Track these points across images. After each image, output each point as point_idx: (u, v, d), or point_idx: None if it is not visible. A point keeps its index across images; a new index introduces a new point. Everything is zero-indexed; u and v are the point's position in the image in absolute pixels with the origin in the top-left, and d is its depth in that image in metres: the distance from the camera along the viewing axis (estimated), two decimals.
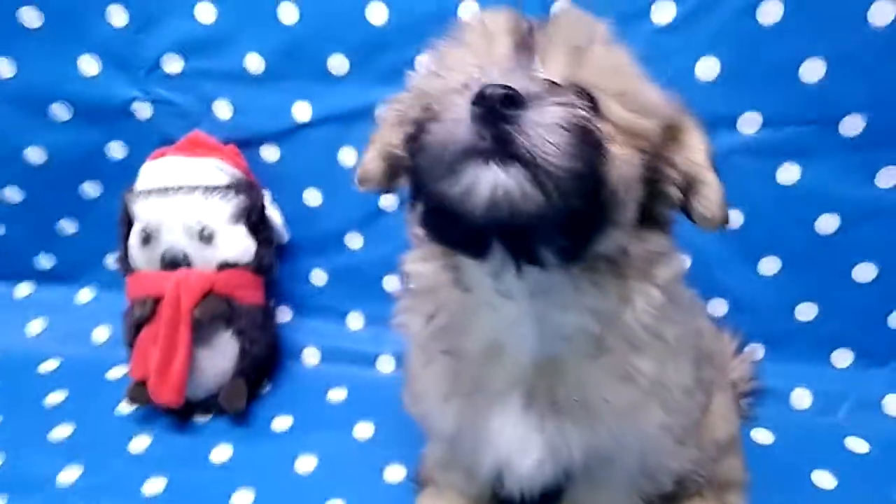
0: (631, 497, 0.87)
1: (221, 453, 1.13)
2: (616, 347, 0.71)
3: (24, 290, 1.44)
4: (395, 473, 1.08)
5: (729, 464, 0.97)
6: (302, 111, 1.20)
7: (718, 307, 1.19)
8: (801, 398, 1.18)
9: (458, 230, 0.60)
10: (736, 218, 1.13)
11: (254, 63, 1.18)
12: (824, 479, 1.05)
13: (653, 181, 0.66)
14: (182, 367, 1.12)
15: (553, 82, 0.59)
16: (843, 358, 1.19)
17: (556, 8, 0.65)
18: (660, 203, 0.68)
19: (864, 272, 1.14)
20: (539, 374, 0.72)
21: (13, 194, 1.34)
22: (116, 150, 1.29)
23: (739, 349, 1.15)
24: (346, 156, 1.22)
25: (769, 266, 1.16)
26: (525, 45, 0.62)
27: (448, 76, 0.64)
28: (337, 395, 1.25)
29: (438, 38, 0.67)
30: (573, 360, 0.71)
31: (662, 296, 0.69)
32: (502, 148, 0.53)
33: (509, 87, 0.53)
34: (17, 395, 1.26)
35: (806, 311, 1.18)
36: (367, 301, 1.32)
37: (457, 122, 0.55)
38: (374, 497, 1.05)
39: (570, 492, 0.89)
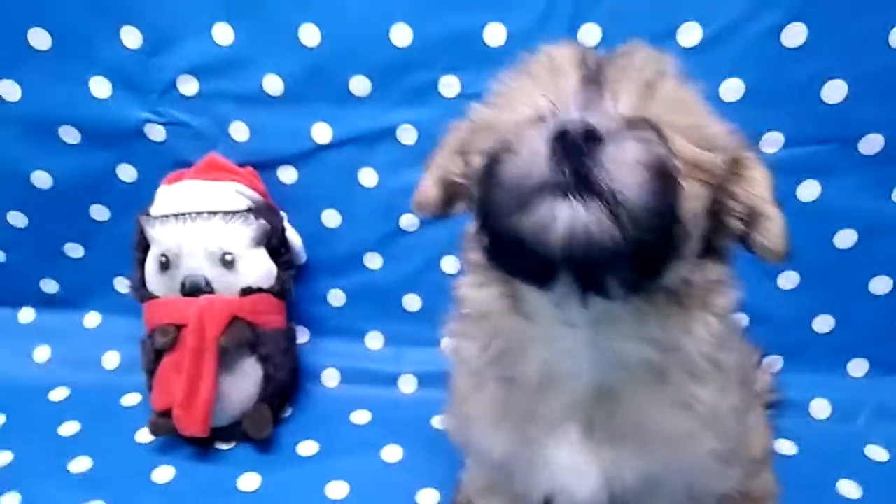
0: None
1: (249, 482, 1.11)
2: (675, 376, 0.71)
3: (27, 315, 1.40)
4: (427, 498, 1.08)
5: (763, 478, 0.99)
6: (322, 133, 1.19)
7: (739, 321, 1.20)
8: (821, 408, 1.21)
9: (527, 261, 0.60)
10: None
11: (273, 85, 1.16)
12: (849, 489, 1.08)
13: (715, 213, 0.66)
14: (208, 396, 1.10)
15: (627, 118, 0.59)
16: (859, 368, 1.22)
17: (624, 44, 0.65)
18: (721, 234, 0.68)
19: (880, 285, 1.17)
20: (596, 402, 0.72)
21: (18, 219, 1.30)
22: (127, 172, 1.25)
23: (760, 361, 1.17)
24: (366, 177, 1.21)
25: (788, 280, 1.18)
26: (593, 80, 0.62)
27: (516, 109, 0.64)
28: (360, 417, 1.24)
29: (503, 69, 0.68)
30: (631, 388, 0.71)
31: (720, 324, 0.70)
32: (582, 183, 0.54)
33: (589, 123, 0.54)
34: (30, 425, 1.23)
35: (823, 323, 1.20)
36: (386, 321, 1.31)
37: (534, 156, 0.56)
38: None
39: None
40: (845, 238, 1.14)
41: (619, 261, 0.58)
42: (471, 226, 0.70)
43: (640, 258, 0.58)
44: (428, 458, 1.14)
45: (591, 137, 0.54)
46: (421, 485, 1.09)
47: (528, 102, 0.63)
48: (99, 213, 1.29)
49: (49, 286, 1.37)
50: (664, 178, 0.57)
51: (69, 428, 1.22)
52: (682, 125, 0.62)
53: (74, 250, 1.34)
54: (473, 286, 0.74)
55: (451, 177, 0.72)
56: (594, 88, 0.61)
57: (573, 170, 0.54)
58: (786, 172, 1.10)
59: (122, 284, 1.36)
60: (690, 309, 0.68)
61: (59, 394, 1.29)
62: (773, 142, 1.09)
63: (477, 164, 0.64)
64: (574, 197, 0.54)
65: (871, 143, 1.08)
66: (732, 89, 1.07)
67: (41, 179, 1.26)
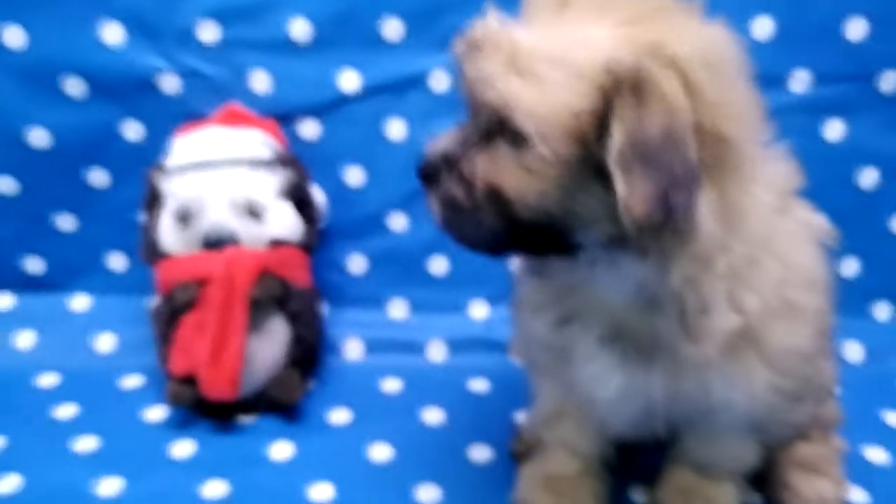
0: (745, 448, 0.86)
1: (282, 451, 1.02)
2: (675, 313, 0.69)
3: (5, 300, 1.26)
4: (481, 453, 1.02)
5: (831, 405, 0.98)
6: (349, 81, 1.15)
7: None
8: (854, 351, 1.21)
9: None
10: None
11: (299, 29, 1.11)
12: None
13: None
14: (238, 353, 1.00)
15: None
16: (883, 311, 1.24)
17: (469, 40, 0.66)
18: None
19: None
20: (626, 313, 0.71)
21: (7, 185, 1.18)
22: (132, 130, 1.17)
23: None
24: (395, 128, 1.17)
25: None
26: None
27: None
28: (391, 385, 1.16)
29: None
30: (654, 317, 0.70)
31: (689, 266, 0.66)
32: (430, 194, 0.68)
33: (423, 166, 0.68)
34: (19, 411, 1.09)
35: (849, 267, 1.22)
36: (410, 286, 1.25)
37: None
38: (465, 477, 0.98)
39: (682, 442, 0.88)
40: (868, 177, 1.18)
41: (505, 244, 0.68)
42: None
43: (526, 240, 0.67)
44: (473, 418, 1.08)
45: (427, 174, 0.68)
46: (470, 441, 1.03)
47: None
48: (97, 178, 1.20)
49: (34, 265, 1.25)
50: (488, 196, 0.65)
51: (66, 411, 1.09)
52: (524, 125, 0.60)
53: (66, 222, 1.22)
54: None
55: None
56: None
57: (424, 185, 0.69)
58: (813, 112, 1.15)
59: (116, 260, 1.26)
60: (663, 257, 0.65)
61: (48, 379, 1.16)
62: (800, 81, 1.13)
63: None
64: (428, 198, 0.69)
65: (890, 81, 1.12)
66: (763, 27, 1.10)
67: (38, 138, 1.16)
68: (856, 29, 1.10)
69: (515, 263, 0.83)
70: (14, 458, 0.99)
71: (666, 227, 0.59)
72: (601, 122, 0.58)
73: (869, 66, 1.12)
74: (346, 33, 1.12)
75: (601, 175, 0.59)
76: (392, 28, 1.12)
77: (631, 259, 0.65)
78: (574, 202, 0.63)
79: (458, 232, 0.68)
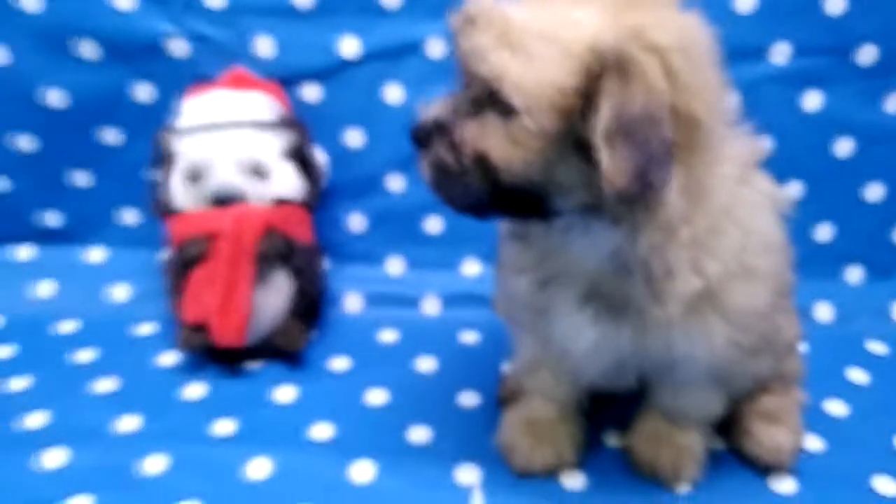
0: (710, 398, 0.93)
1: (286, 394, 1.10)
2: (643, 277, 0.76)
3: (25, 252, 1.34)
4: (469, 399, 1.09)
5: (793, 359, 1.05)
6: (349, 47, 1.19)
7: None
8: (824, 312, 1.28)
9: None
10: (764, 144, 1.22)
11: None
12: (858, 375, 1.16)
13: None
14: (245, 304, 1.08)
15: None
16: (855, 273, 1.31)
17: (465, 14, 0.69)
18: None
19: (874, 192, 1.26)
20: (600, 276, 0.77)
21: (25, 142, 1.25)
22: (143, 91, 1.23)
23: None
24: (392, 93, 1.22)
25: (792, 190, 1.26)
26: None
27: None
28: (388, 335, 1.24)
29: None
30: (628, 279, 0.76)
31: (659, 233, 0.71)
32: (422, 156, 0.74)
33: (416, 129, 0.73)
34: (42, 354, 1.17)
35: (823, 232, 1.28)
36: (407, 244, 1.32)
37: None
38: (455, 421, 1.05)
39: (652, 392, 0.95)
40: (844, 147, 1.23)
41: (487, 207, 0.73)
42: None
43: (506, 203, 0.72)
44: (463, 367, 1.16)
45: (421, 137, 0.73)
46: (461, 389, 1.10)
47: None
48: (111, 136, 1.26)
49: (51, 219, 1.32)
50: (475, 163, 0.70)
51: (85, 355, 1.17)
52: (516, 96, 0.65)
53: (81, 178, 1.29)
54: None
55: None
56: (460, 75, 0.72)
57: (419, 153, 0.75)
58: (792, 83, 1.19)
59: (129, 215, 1.33)
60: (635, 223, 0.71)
61: (68, 325, 1.24)
62: (780, 53, 1.17)
63: None
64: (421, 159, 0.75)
65: (867, 54, 1.17)
66: (746, 1, 1.14)
67: (54, 98, 1.21)
68: (835, 3, 1.14)
69: (501, 227, 0.88)
70: (39, 397, 1.07)
71: (641, 199, 0.66)
72: (585, 99, 0.63)
73: (847, 40, 1.16)
74: (346, 0, 1.16)
75: (580, 148, 0.65)
76: None
77: (603, 226, 0.72)
78: (554, 171, 0.68)
79: (447, 194, 0.74)
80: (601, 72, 0.62)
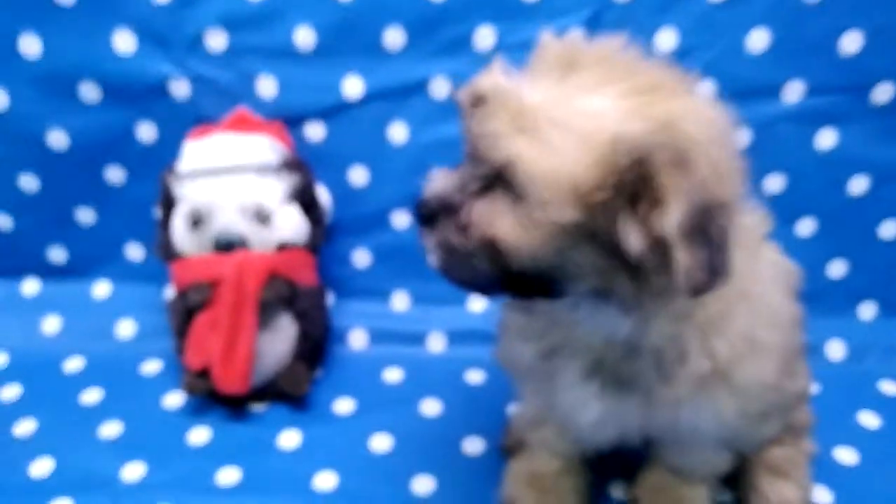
0: (716, 457, 0.92)
1: (290, 439, 1.10)
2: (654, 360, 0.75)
3: (32, 286, 1.34)
4: (474, 446, 1.09)
5: (802, 411, 1.04)
6: (352, 87, 1.18)
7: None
8: (836, 350, 1.26)
9: None
10: (778, 182, 1.20)
11: (304, 37, 1.15)
12: (870, 420, 1.14)
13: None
14: (248, 352, 1.08)
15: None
16: (868, 310, 1.28)
17: (486, 89, 0.65)
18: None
19: (890, 230, 1.23)
20: (607, 350, 0.76)
21: (30, 183, 1.25)
22: (146, 132, 1.22)
23: None
24: (397, 132, 1.21)
25: (805, 227, 1.23)
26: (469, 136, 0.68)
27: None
28: (393, 375, 1.23)
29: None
30: (636, 362, 0.75)
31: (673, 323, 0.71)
32: (426, 237, 0.71)
33: (422, 209, 0.71)
34: (49, 395, 1.18)
35: (836, 269, 1.26)
36: (412, 280, 1.31)
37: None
38: (459, 470, 1.05)
39: (658, 450, 0.94)
40: (858, 185, 1.20)
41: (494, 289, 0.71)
42: None
43: (511, 284, 0.69)
44: (469, 411, 1.15)
45: (426, 216, 0.70)
46: (466, 434, 1.10)
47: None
48: (114, 175, 1.25)
49: (57, 255, 1.32)
50: (457, 257, 0.68)
51: (91, 396, 1.18)
52: (530, 183, 0.61)
53: (86, 215, 1.29)
54: None
55: None
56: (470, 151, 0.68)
57: (421, 228, 0.72)
58: (806, 121, 1.17)
59: (134, 251, 1.32)
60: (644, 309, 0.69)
61: (74, 364, 1.24)
62: (794, 91, 1.14)
63: None
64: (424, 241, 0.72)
65: (883, 93, 1.14)
66: (758, 40, 1.11)
67: (57, 139, 1.21)
68: (851, 42, 1.11)
69: None
70: (46, 442, 1.08)
71: (709, 290, 0.62)
72: (614, 191, 0.59)
73: (862, 78, 1.13)
74: (349, 41, 1.15)
75: (594, 236, 0.62)
76: (393, 36, 1.14)
77: (614, 311, 0.69)
78: (566, 258, 0.65)
79: (453, 274, 0.71)
80: (630, 165, 0.58)
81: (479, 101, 0.65)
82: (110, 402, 1.17)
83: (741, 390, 0.77)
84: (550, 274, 0.67)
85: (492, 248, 0.66)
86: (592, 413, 0.80)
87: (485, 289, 0.73)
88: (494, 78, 0.65)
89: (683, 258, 0.59)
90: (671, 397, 0.76)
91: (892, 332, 1.27)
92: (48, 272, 1.33)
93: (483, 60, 1.14)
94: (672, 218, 0.58)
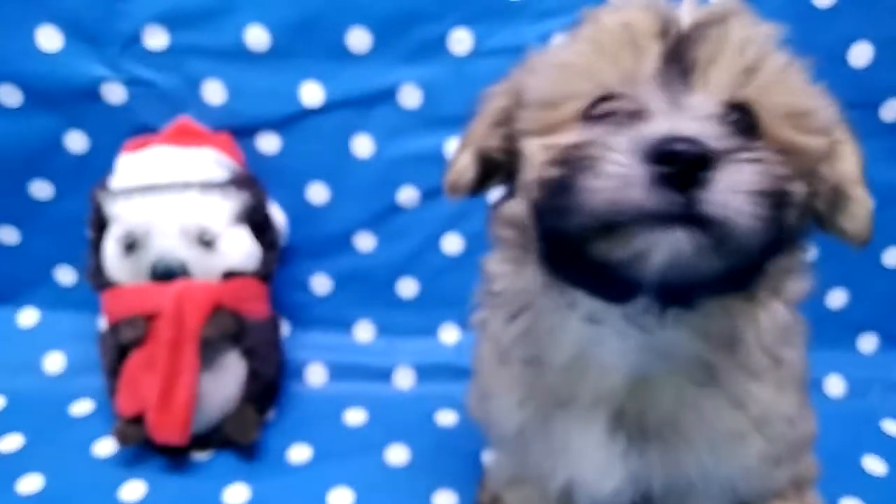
0: None
1: (237, 494, 0.97)
2: (728, 371, 0.64)
3: None
4: (445, 499, 0.97)
5: (807, 461, 0.94)
6: (311, 94, 1.05)
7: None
8: (835, 385, 1.17)
9: (605, 283, 0.55)
10: None
11: (256, 37, 1.02)
12: (875, 465, 1.04)
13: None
14: (188, 396, 0.94)
15: (726, 116, 0.53)
16: (869, 343, 1.20)
17: (715, 6, 0.56)
18: (802, 217, 0.61)
19: (894, 257, 1.15)
20: (631, 392, 0.65)
21: None
22: (76, 141, 1.08)
23: None
24: (361, 145, 1.09)
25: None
26: (678, 58, 0.54)
27: (579, 88, 0.57)
28: (355, 416, 1.11)
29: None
30: (674, 382, 0.64)
31: (788, 313, 0.65)
32: (686, 213, 0.47)
33: (696, 144, 0.47)
34: None
35: (836, 299, 1.17)
36: (377, 309, 1.19)
37: (627, 182, 0.48)
38: None
39: None
40: None
41: (717, 283, 0.53)
42: (499, 198, 0.65)
43: (739, 275, 0.54)
44: (440, 458, 1.04)
45: (701, 162, 0.47)
46: (435, 486, 0.98)
47: (595, 82, 0.56)
48: (41, 189, 1.11)
49: None
50: (778, 200, 0.51)
51: (12, 442, 1.04)
52: (785, 111, 0.56)
53: (9, 235, 1.15)
54: (505, 263, 0.67)
55: (490, 153, 0.64)
56: (681, 73, 0.54)
57: (677, 200, 0.47)
58: None
59: (64, 274, 1.19)
60: (759, 298, 0.62)
61: None
62: None
63: (527, 148, 0.59)
64: (678, 228, 0.47)
65: (893, 110, 1.05)
66: None
67: None
68: (860, 55, 1.02)
69: (485, 349, 0.73)
70: None
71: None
72: None
73: (872, 94, 1.04)
74: (307, 43, 1.02)
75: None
76: (358, 38, 1.02)
77: (723, 310, 0.59)
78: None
79: (749, 239, 0.49)
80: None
81: (710, 19, 0.55)
82: (32, 448, 1.03)
83: (765, 417, 0.67)
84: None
85: (780, 198, 0.51)
86: (615, 477, 0.67)
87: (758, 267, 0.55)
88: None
89: (866, 198, 0.60)
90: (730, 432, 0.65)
91: (894, 367, 1.19)
92: None
93: (459, 66, 1.05)
94: (848, 164, 0.60)
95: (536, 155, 0.58)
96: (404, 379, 1.17)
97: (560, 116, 0.58)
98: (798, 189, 0.56)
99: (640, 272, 0.50)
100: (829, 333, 1.18)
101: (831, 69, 1.02)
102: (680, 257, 0.48)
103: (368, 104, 1.06)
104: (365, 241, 1.15)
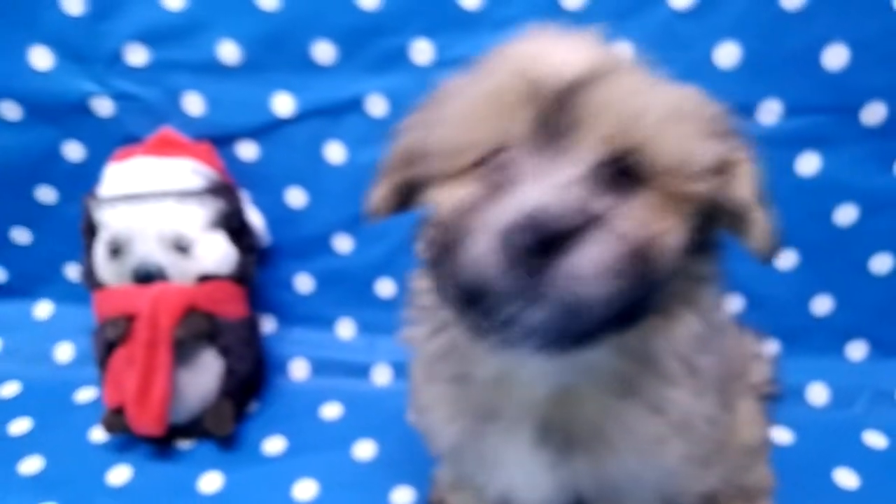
0: None
1: (211, 482, 1.04)
2: (644, 380, 0.66)
3: None
4: (403, 496, 1.01)
5: (757, 472, 0.93)
6: (283, 104, 1.10)
7: (734, 303, 1.13)
8: (818, 394, 1.14)
9: (483, 333, 0.56)
10: None
11: (228, 52, 1.07)
12: (847, 478, 1.02)
13: (702, 214, 0.59)
14: (163, 393, 1.01)
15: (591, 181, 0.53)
16: (857, 350, 1.16)
17: (593, 59, 0.55)
18: (708, 231, 0.61)
19: (882, 264, 1.10)
20: (554, 405, 0.66)
21: None
22: (73, 151, 1.16)
23: (759, 350, 1.10)
24: (333, 152, 1.12)
25: (786, 260, 1.11)
26: (550, 120, 0.54)
27: (469, 138, 0.58)
28: (331, 411, 1.16)
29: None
30: (594, 392, 0.66)
31: (703, 323, 0.65)
32: (541, 293, 0.50)
33: (547, 228, 0.48)
34: None
35: (822, 304, 1.14)
36: (357, 307, 1.23)
37: (486, 263, 0.51)
38: None
39: None
40: (846, 214, 1.07)
41: (593, 335, 0.54)
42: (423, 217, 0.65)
43: (614, 324, 0.54)
44: (403, 455, 1.07)
45: (547, 246, 0.49)
46: (395, 483, 1.02)
47: (482, 137, 0.57)
48: (45, 195, 1.20)
49: None
50: (641, 261, 0.52)
51: (20, 426, 1.14)
52: (668, 162, 0.55)
53: (22, 235, 1.24)
54: (428, 279, 0.67)
55: (405, 181, 0.66)
56: (553, 135, 0.54)
57: (529, 282, 0.49)
58: (784, 145, 1.05)
59: (73, 271, 1.28)
60: (672, 311, 0.63)
61: (10, 389, 1.21)
62: (770, 111, 1.02)
63: (426, 197, 0.62)
64: (533, 305, 0.50)
65: (874, 113, 1.01)
66: (728, 55, 0.99)
67: None
68: (835, 57, 0.97)
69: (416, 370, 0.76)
70: None
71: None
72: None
73: (850, 97, 1.00)
74: (276, 56, 1.06)
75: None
76: (323, 50, 1.05)
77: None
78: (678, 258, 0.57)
79: (592, 311, 0.51)
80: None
81: (581, 80, 0.54)
82: (38, 433, 1.13)
83: (684, 422, 0.68)
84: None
85: (646, 251, 0.53)
86: (543, 488, 0.70)
87: (614, 323, 0.55)
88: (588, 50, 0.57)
89: (764, 223, 0.59)
90: (652, 435, 0.67)
91: (884, 375, 1.15)
92: None
93: (422, 76, 1.06)
94: (742, 184, 0.58)
95: (431, 208, 0.61)
96: (382, 375, 1.21)
97: (456, 165, 0.60)
98: (672, 238, 0.56)
99: (508, 337, 0.53)
100: (814, 341, 1.16)
101: (804, 73, 1.00)
102: (541, 328, 0.51)
103: (338, 113, 1.09)
104: (343, 243, 1.19)
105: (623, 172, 0.55)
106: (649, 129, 0.54)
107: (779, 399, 1.11)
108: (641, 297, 0.54)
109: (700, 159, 0.56)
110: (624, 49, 0.62)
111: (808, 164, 1.05)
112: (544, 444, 0.68)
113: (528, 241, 0.48)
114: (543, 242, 0.48)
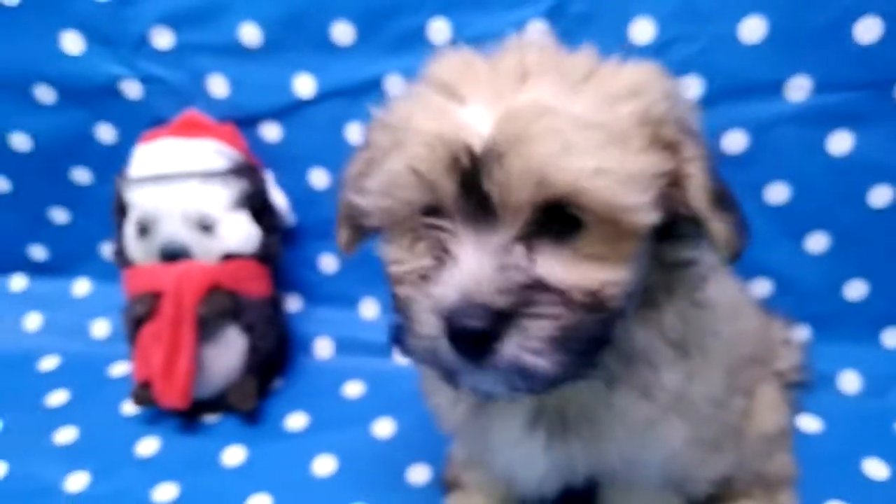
0: (665, 498, 0.83)
1: (234, 455, 1.07)
2: (633, 369, 0.67)
3: (18, 282, 1.37)
4: (419, 474, 1.02)
5: (779, 459, 0.91)
6: (304, 85, 1.11)
7: (762, 287, 1.11)
8: (850, 381, 1.11)
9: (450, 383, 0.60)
10: (782, 192, 1.05)
11: (250, 34, 1.08)
12: (876, 469, 0.99)
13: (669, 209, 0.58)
14: (188, 368, 1.05)
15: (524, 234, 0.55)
16: (893, 337, 1.12)
17: (515, 113, 0.54)
18: (676, 224, 0.61)
19: None
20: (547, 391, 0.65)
21: (0, 184, 1.26)
22: (105, 132, 1.20)
23: (788, 335, 1.07)
24: (354, 132, 1.13)
25: (817, 243, 1.07)
26: (474, 186, 0.54)
27: (389, 205, 0.61)
28: (353, 389, 1.18)
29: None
30: (582, 383, 0.65)
31: (691, 307, 0.66)
32: (489, 366, 0.54)
33: (482, 318, 0.52)
34: (18, 395, 1.21)
35: (855, 289, 1.10)
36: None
37: (434, 342, 0.55)
38: (397, 501, 0.99)
39: (603, 494, 0.86)
40: (880, 195, 1.03)
41: (552, 384, 0.57)
42: None
43: (575, 369, 0.57)
44: (421, 433, 1.08)
45: (486, 334, 0.52)
46: (413, 461, 1.04)
47: (416, 197, 0.58)
48: (81, 175, 1.24)
49: (38, 252, 1.33)
50: (588, 310, 0.55)
51: (57, 398, 1.19)
52: (605, 206, 0.54)
53: (60, 215, 1.29)
54: None
55: (355, 218, 0.70)
56: (479, 201, 0.55)
57: (475, 360, 0.54)
58: (814, 123, 1.01)
59: (109, 250, 1.32)
60: (657, 303, 0.64)
61: (48, 363, 1.27)
62: (799, 88, 0.98)
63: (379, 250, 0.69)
64: (484, 375, 0.55)
65: None
66: (753, 29, 0.95)
67: (19, 142, 1.21)
68: (867, 30, 0.93)
69: None
70: (4, 446, 1.10)
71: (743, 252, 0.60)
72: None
73: (882, 72, 0.95)
74: (296, 37, 1.07)
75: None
76: (342, 31, 1.06)
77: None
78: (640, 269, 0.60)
79: (561, 368, 0.55)
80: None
81: (496, 149, 0.54)
82: (73, 405, 1.19)
83: (689, 406, 0.69)
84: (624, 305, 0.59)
85: (594, 301, 0.56)
86: (538, 469, 0.73)
87: (588, 362, 0.59)
88: (506, 113, 0.55)
89: (722, 227, 0.58)
90: (640, 419, 0.68)
91: None
92: (33, 269, 1.35)
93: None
94: (694, 189, 0.57)
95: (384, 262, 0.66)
96: None
97: (392, 223, 0.63)
98: (621, 275, 0.57)
99: (475, 392, 0.59)
100: (847, 327, 1.12)
101: (835, 48, 0.96)
102: (496, 390, 0.56)
103: (358, 94, 1.10)
104: None
105: (560, 221, 0.55)
106: (576, 179, 0.53)
107: (809, 386, 1.08)
108: (601, 333, 0.57)
109: (635, 199, 0.54)
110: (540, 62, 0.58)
111: (840, 143, 1.00)
112: (537, 428, 0.70)
113: (469, 325, 0.52)
114: (485, 322, 0.52)
